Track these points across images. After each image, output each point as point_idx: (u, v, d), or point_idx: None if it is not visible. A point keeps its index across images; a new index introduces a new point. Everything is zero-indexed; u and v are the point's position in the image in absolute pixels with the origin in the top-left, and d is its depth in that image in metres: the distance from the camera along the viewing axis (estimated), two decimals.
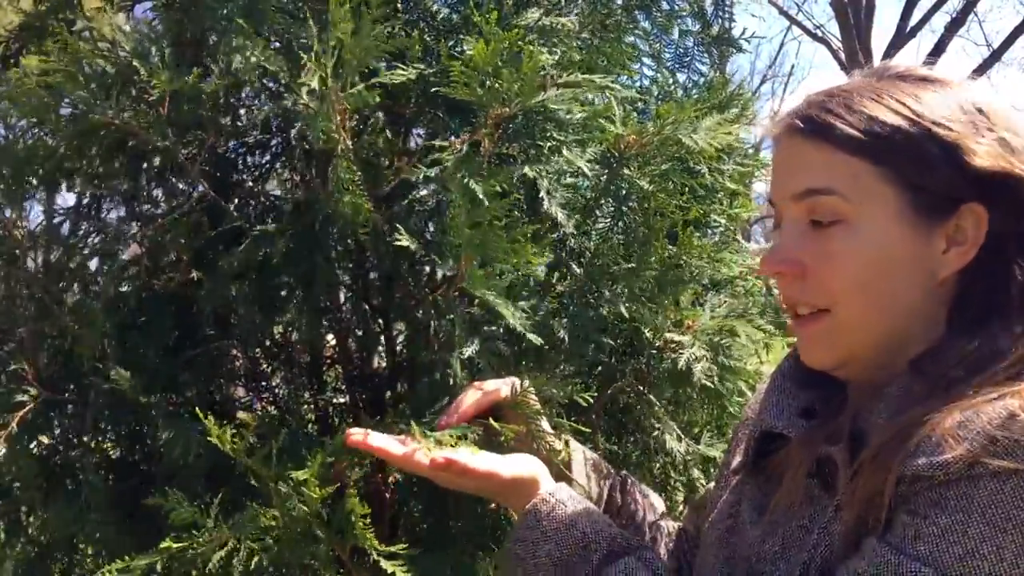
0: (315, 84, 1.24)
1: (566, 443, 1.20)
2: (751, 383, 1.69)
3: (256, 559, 1.23)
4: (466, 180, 1.24)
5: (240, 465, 1.56)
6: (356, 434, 1.02)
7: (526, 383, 1.18)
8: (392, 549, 1.24)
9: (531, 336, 1.29)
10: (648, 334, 1.52)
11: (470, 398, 1.14)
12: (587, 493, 1.16)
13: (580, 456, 1.20)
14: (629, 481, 1.22)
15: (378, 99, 1.27)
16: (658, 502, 1.23)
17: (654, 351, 1.55)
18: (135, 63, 1.36)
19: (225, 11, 1.36)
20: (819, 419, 0.89)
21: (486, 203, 1.23)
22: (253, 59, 1.32)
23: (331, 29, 1.23)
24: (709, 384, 1.56)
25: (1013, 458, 0.68)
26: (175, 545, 1.21)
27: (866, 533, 0.74)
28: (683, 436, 1.60)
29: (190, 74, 1.34)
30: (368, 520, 1.22)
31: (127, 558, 1.23)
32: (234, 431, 1.22)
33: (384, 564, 1.19)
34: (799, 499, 0.82)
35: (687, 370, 1.51)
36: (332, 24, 1.22)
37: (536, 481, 1.00)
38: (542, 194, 1.35)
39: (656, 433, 1.58)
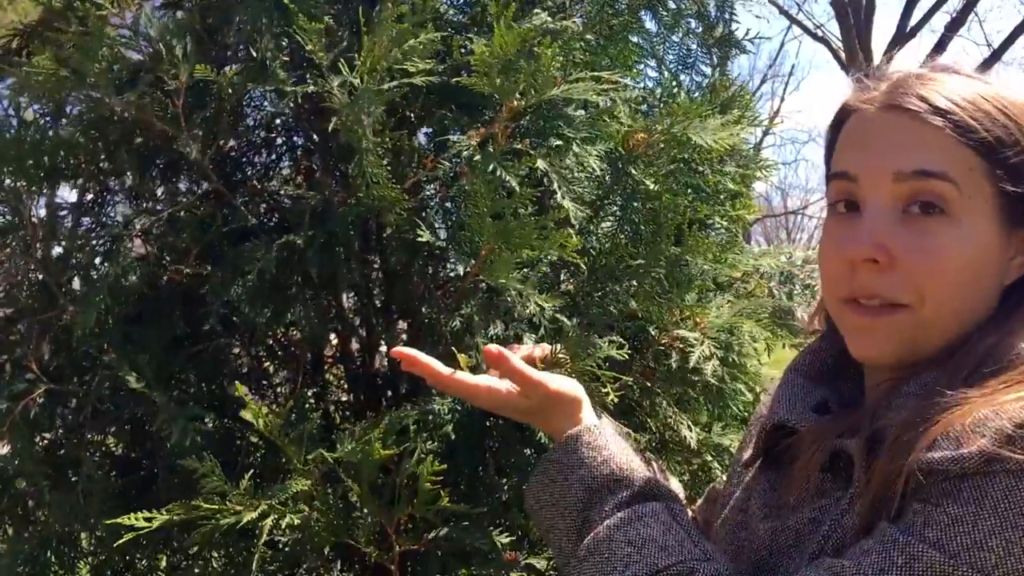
0: (354, 79, 1.24)
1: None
2: (751, 384, 1.69)
3: (287, 524, 1.20)
4: (492, 168, 1.22)
5: (242, 461, 1.56)
6: (404, 350, 0.97)
7: (558, 346, 1.18)
8: (460, 508, 1.23)
9: (561, 318, 1.27)
10: (653, 332, 1.52)
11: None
12: None
13: (612, 425, 1.20)
14: (652, 462, 1.21)
15: (400, 97, 1.27)
16: (677, 487, 1.23)
17: (660, 348, 1.54)
18: (161, 50, 1.35)
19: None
20: (832, 414, 0.88)
21: (512, 189, 1.21)
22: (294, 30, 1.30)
23: (377, 28, 1.22)
24: (716, 383, 1.56)
25: None
26: (206, 505, 1.19)
27: (879, 520, 0.75)
28: (692, 427, 1.60)
29: (210, 68, 1.34)
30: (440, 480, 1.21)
31: (156, 512, 1.20)
32: (268, 411, 1.21)
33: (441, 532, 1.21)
34: (811, 492, 0.82)
35: (696, 368, 1.51)
36: (380, 22, 1.22)
37: (579, 401, 0.97)
38: (554, 186, 1.34)
39: (669, 421, 1.58)
